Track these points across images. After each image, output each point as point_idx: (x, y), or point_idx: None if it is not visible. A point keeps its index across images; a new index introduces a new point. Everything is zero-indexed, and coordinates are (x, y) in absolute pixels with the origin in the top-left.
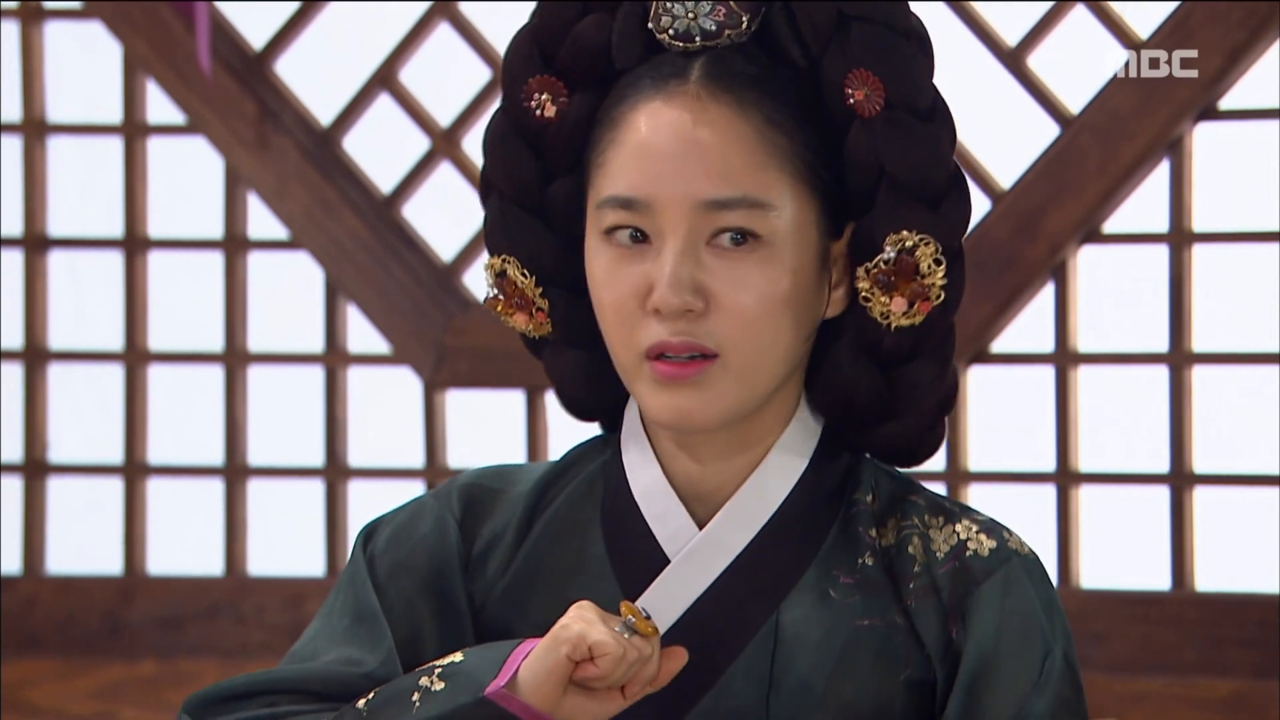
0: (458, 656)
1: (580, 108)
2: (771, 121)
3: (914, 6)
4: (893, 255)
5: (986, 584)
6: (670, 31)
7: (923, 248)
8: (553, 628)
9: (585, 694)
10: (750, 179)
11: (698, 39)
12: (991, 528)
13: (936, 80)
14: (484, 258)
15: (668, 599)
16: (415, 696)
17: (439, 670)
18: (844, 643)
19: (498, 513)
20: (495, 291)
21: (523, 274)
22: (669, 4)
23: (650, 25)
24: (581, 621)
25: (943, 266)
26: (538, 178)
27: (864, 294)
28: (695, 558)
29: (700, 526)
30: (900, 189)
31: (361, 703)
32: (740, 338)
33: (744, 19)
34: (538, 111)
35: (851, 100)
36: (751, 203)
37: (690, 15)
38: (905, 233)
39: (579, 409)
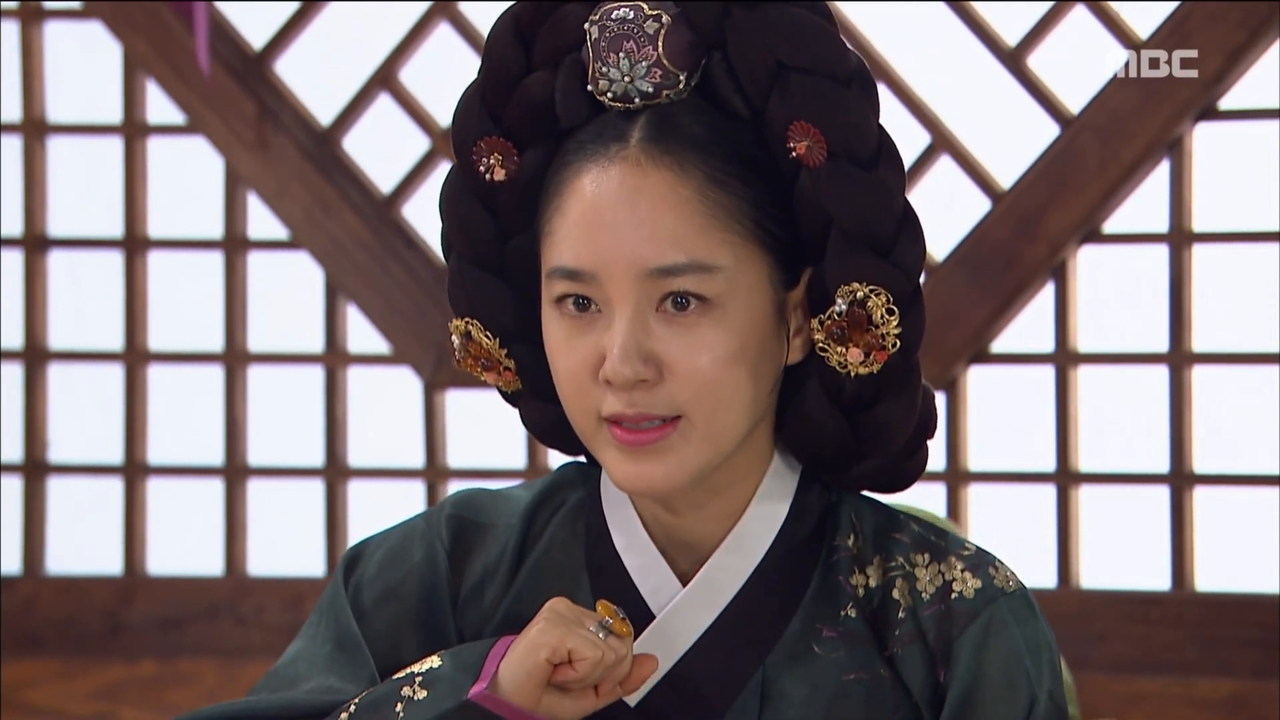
0: (435, 661)
1: (530, 168)
2: (714, 181)
3: (916, 7)
4: (844, 307)
5: (971, 628)
6: (609, 94)
7: (874, 299)
8: (530, 627)
9: (561, 692)
10: (694, 243)
11: (637, 99)
12: (978, 565)
13: (884, 120)
14: None
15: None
16: (399, 707)
17: (419, 678)
18: (829, 697)
19: (489, 545)
20: (463, 353)
21: (486, 335)
22: (605, 68)
23: (590, 88)
24: (561, 626)
25: (895, 315)
26: (495, 236)
27: (820, 345)
28: (679, 615)
29: (682, 577)
30: (849, 238)
31: (344, 716)
32: (699, 399)
33: (681, 78)
34: (487, 175)
35: (794, 153)
36: (698, 267)
37: (626, 78)
38: (856, 284)
39: (560, 450)
